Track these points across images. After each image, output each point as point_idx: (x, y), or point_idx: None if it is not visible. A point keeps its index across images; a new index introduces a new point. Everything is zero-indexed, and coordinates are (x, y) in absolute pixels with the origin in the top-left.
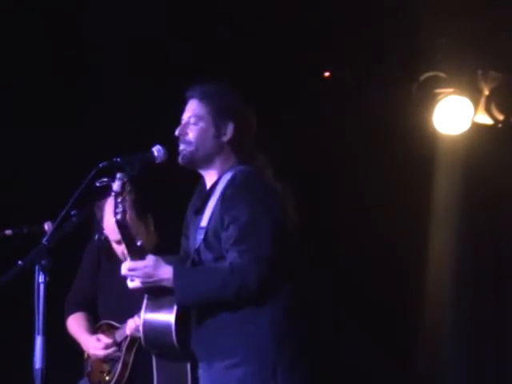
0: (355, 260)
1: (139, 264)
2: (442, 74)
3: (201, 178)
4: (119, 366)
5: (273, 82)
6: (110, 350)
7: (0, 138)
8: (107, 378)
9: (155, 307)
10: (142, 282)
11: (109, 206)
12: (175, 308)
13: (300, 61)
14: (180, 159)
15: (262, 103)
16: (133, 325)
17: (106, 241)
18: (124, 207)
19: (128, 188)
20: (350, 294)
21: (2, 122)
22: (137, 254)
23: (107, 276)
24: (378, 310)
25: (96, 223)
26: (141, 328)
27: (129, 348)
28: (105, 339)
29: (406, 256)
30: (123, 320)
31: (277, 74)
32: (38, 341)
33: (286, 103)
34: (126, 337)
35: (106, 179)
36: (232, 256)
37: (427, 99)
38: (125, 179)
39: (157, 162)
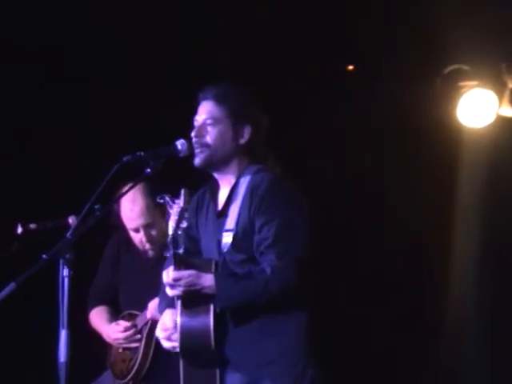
0: (378, 257)
1: (183, 274)
2: (465, 67)
3: (211, 180)
4: (140, 353)
5: (295, 77)
6: (130, 332)
7: (28, 136)
8: (129, 364)
9: (191, 312)
10: (185, 291)
11: (124, 199)
12: (212, 312)
13: (323, 55)
14: (197, 162)
15: (283, 98)
16: (153, 306)
17: (125, 231)
18: (188, 222)
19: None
20: (371, 290)
21: (31, 121)
22: (179, 262)
23: (128, 268)
24: (400, 306)
25: (113, 214)
26: (178, 332)
27: (149, 335)
28: (123, 322)
29: (428, 252)
30: (144, 309)
31: (299, 69)
32: (63, 334)
33: (309, 98)
34: (147, 322)
35: (167, 196)
36: (269, 259)
37: (451, 92)
38: (188, 195)
39: (180, 155)
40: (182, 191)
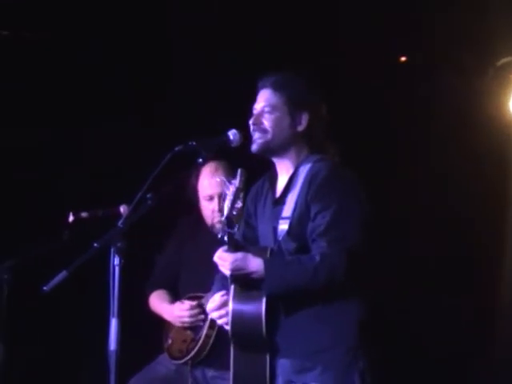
0: (430, 245)
1: (229, 257)
2: None
3: (271, 167)
4: (203, 334)
5: (347, 66)
6: (195, 311)
7: (82, 124)
8: (190, 344)
9: (244, 297)
10: (231, 275)
11: (206, 168)
12: (264, 299)
13: (376, 45)
14: (254, 147)
15: (336, 88)
16: None
17: (196, 210)
18: (243, 203)
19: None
20: (422, 281)
21: (86, 110)
22: (232, 246)
23: (193, 250)
24: (454, 297)
25: (189, 188)
26: (230, 317)
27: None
28: (188, 301)
29: (480, 247)
30: (207, 291)
31: (352, 58)
32: (113, 323)
33: (361, 88)
34: None
35: (223, 178)
36: (320, 246)
37: (503, 85)
38: (245, 176)
39: (232, 145)
40: (239, 171)
